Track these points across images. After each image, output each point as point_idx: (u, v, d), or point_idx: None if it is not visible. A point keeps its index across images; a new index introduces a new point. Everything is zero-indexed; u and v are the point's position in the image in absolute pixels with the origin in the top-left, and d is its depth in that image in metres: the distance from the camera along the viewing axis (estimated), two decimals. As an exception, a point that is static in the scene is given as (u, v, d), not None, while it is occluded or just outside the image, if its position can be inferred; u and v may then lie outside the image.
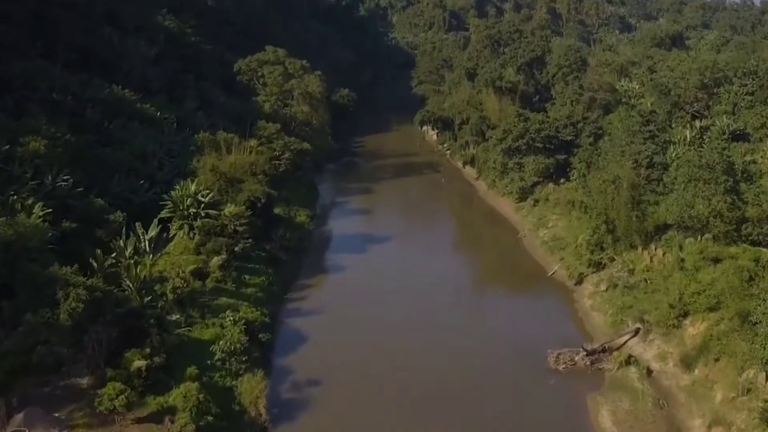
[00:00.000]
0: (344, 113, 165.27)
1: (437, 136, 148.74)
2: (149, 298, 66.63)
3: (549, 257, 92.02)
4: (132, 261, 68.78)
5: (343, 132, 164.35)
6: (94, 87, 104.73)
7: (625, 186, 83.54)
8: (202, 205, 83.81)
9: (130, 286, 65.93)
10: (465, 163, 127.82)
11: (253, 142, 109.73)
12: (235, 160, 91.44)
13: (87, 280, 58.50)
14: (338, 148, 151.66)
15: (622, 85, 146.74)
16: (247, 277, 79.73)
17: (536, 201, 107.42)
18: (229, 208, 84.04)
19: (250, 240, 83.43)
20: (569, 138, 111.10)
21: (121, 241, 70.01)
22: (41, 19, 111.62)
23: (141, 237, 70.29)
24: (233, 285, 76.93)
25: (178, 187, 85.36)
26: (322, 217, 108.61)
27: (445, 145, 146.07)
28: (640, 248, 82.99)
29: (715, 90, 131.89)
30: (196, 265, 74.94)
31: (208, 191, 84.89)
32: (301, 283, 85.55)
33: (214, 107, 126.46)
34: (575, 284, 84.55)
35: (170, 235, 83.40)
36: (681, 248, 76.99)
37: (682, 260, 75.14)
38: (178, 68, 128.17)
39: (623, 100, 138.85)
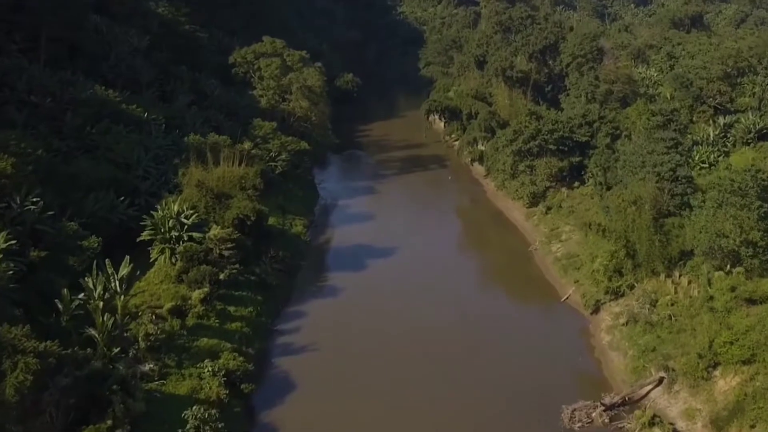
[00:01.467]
0: (348, 98, 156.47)
1: (445, 126, 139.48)
2: (118, 349, 58.91)
3: (562, 278, 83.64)
4: (101, 302, 60.92)
5: (346, 118, 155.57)
6: (76, 87, 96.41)
7: (647, 208, 74.88)
8: (185, 228, 75.76)
9: (96, 337, 58.13)
10: (473, 161, 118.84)
11: (247, 144, 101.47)
12: (223, 172, 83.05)
13: (40, 344, 50.48)
14: (341, 139, 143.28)
15: (640, 73, 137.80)
16: (232, 309, 71.81)
17: (548, 208, 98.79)
18: (215, 231, 76.05)
19: (237, 266, 75.67)
20: (584, 139, 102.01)
21: (91, 280, 62.01)
22: (21, 9, 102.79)
23: (111, 277, 62.13)
24: (216, 320, 69.07)
25: (159, 206, 77.22)
26: (321, 225, 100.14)
27: (452, 136, 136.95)
28: (662, 275, 74.68)
29: (738, 80, 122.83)
30: (174, 303, 67.00)
31: (192, 212, 76.78)
32: (293, 310, 77.57)
33: (209, 99, 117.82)
34: (591, 313, 76.25)
35: (151, 260, 75.67)
36: (709, 282, 68.55)
37: (711, 297, 66.77)
38: (170, 58, 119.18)
39: (641, 89, 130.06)
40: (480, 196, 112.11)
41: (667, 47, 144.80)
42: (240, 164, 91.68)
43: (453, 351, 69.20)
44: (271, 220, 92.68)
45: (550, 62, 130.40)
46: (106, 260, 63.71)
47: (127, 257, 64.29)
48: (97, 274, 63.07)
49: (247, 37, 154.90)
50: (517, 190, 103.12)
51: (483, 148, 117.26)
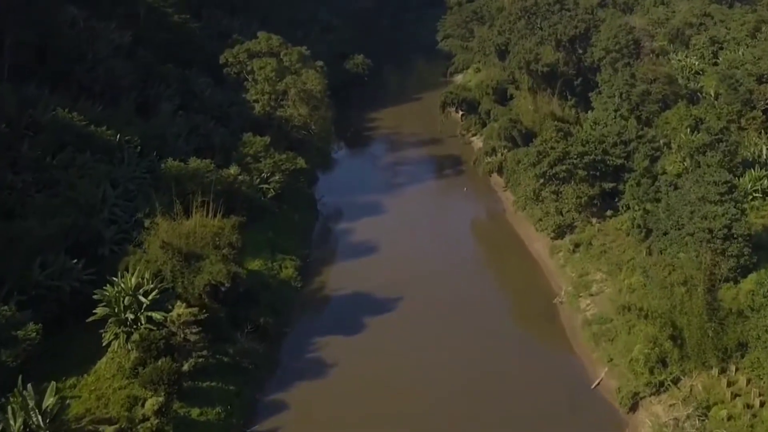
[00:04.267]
0: (358, 81, 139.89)
1: (462, 118, 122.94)
2: None
3: (593, 351, 68.37)
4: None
5: (356, 103, 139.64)
6: (38, 107, 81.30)
7: (701, 290, 59.27)
8: (144, 307, 61.42)
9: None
10: (491, 171, 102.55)
11: (233, 169, 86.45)
12: (195, 226, 68.02)
13: None
14: (348, 132, 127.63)
15: (680, 60, 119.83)
16: (196, 412, 57.95)
17: (576, 245, 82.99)
18: (179, 310, 61.66)
19: (204, 352, 61.61)
20: (619, 162, 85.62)
21: (10, 413, 48.17)
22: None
23: (33, 412, 48.15)
24: (174, 435, 55.34)
25: (116, 279, 62.72)
26: (317, 260, 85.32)
27: (470, 131, 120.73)
28: (715, 370, 59.59)
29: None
30: (120, 425, 53.06)
31: (152, 286, 62.24)
32: (274, 399, 63.27)
33: (198, 100, 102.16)
34: (628, 411, 61.34)
35: (104, 344, 61.67)
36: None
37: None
38: (156, 56, 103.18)
39: (680, 79, 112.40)
40: (498, 217, 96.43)
41: (710, 30, 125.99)
42: (222, 197, 77.02)
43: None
44: (257, 264, 78.46)
45: (580, 52, 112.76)
46: (28, 385, 49.63)
47: (53, 383, 50.23)
48: (22, 393, 49.43)
49: (251, 15, 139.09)
50: (540, 220, 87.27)
51: (502, 157, 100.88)
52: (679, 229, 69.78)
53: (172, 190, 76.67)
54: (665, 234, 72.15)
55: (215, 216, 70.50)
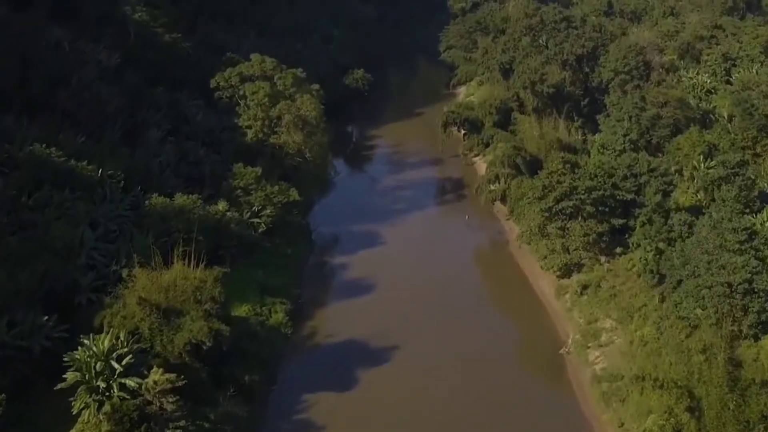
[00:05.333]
0: (358, 96, 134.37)
1: (464, 138, 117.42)
2: None
3: (603, 411, 62.91)
4: None
5: (356, 117, 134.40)
6: (15, 142, 76.01)
7: (721, 358, 53.81)
8: (117, 373, 56.15)
9: None
10: (494, 200, 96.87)
11: (221, 205, 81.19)
12: (174, 278, 62.60)
13: None
14: (347, 151, 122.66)
15: (690, 77, 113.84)
16: (171, 494, 52.87)
17: (584, 287, 77.55)
18: (156, 376, 56.33)
19: (182, 422, 56.37)
20: (629, 197, 79.93)
21: None
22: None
23: None
24: None
25: (87, 341, 57.40)
26: (309, 301, 79.72)
27: (472, 151, 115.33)
28: (736, 445, 54.24)
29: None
30: None
31: (126, 350, 56.92)
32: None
33: (190, 125, 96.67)
34: (641, 487, 56.09)
35: (74, 412, 56.47)
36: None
37: None
38: (146, 77, 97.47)
39: (691, 98, 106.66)
40: (502, 250, 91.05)
41: (722, 45, 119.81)
42: (210, 236, 71.81)
43: None
44: (244, 309, 73.25)
45: (588, 71, 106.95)
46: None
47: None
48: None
49: (249, 26, 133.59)
50: (546, 258, 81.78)
51: (506, 185, 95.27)
52: (695, 277, 64.19)
53: (154, 232, 72.08)
54: (679, 282, 66.58)
55: (198, 264, 64.99)
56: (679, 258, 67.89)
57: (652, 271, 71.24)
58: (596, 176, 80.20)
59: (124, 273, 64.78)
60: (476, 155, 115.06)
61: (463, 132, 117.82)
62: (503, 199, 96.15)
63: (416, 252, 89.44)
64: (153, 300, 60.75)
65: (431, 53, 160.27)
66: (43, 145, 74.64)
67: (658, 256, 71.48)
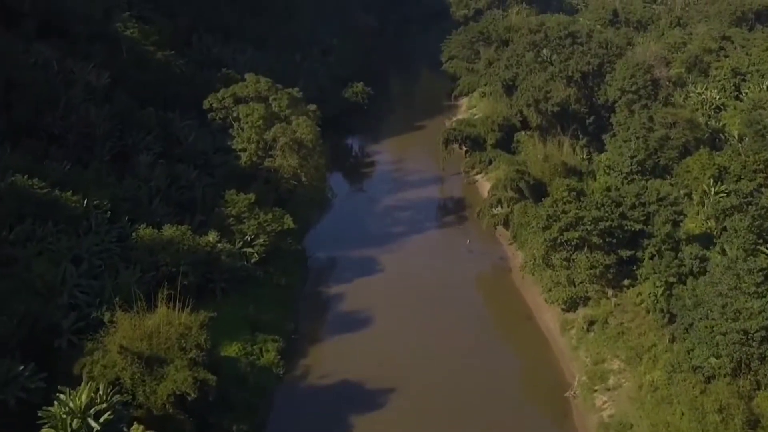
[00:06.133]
0: (358, 109, 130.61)
1: (465, 155, 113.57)
2: None
3: (610, 463, 59.36)
4: None
5: (356, 130, 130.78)
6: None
7: (737, 421, 49.94)
8: None
9: None
10: (496, 225, 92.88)
11: (212, 236, 77.39)
12: (158, 324, 58.83)
13: None
14: (346, 167, 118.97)
15: (699, 93, 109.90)
16: None
17: (591, 323, 73.71)
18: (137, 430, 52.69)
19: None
20: (638, 227, 75.86)
21: None
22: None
23: None
24: None
25: (64, 396, 53.64)
26: (302, 336, 76.00)
27: (474, 170, 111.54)
28: None
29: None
30: None
31: (105, 406, 53.10)
32: None
33: (180, 147, 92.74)
34: None
35: (50, 473, 52.82)
36: None
37: None
38: (137, 97, 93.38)
39: (700, 116, 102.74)
40: (504, 278, 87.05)
41: (731, 59, 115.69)
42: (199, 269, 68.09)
43: None
44: (234, 349, 69.60)
45: (594, 88, 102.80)
46: None
47: None
48: None
49: (246, 39, 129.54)
50: (550, 291, 77.89)
51: (509, 209, 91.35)
52: (708, 320, 60.26)
53: (141, 266, 68.61)
54: (691, 325, 62.66)
55: (184, 306, 61.20)
56: (690, 298, 63.96)
57: (662, 310, 67.35)
58: (603, 205, 76.14)
59: (106, 318, 60.98)
60: (478, 173, 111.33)
61: (464, 149, 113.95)
62: (506, 224, 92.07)
63: (415, 281, 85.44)
64: (135, 348, 57.00)
65: (433, 61, 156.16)
66: (26, 176, 70.94)
67: (668, 293, 67.62)
